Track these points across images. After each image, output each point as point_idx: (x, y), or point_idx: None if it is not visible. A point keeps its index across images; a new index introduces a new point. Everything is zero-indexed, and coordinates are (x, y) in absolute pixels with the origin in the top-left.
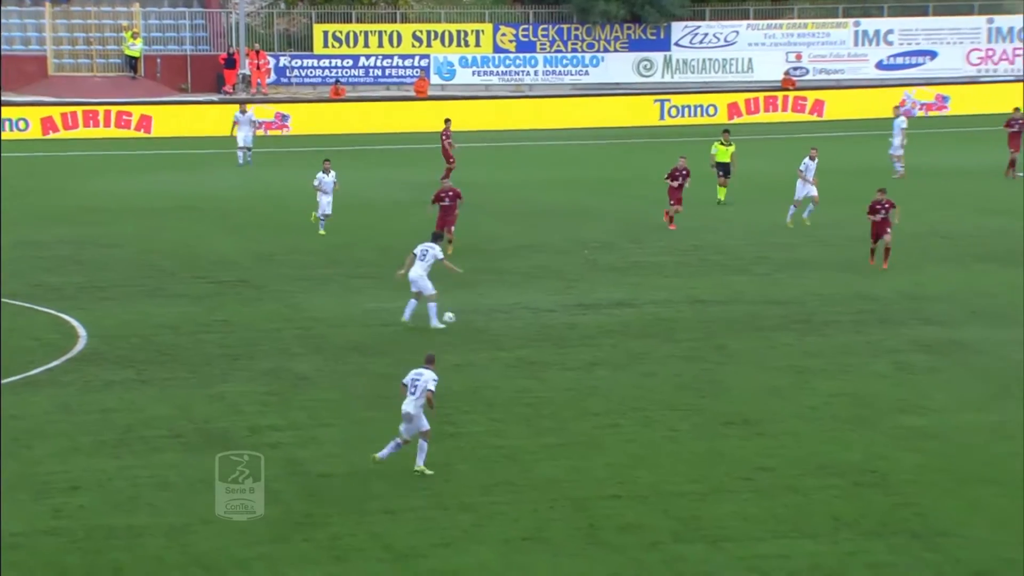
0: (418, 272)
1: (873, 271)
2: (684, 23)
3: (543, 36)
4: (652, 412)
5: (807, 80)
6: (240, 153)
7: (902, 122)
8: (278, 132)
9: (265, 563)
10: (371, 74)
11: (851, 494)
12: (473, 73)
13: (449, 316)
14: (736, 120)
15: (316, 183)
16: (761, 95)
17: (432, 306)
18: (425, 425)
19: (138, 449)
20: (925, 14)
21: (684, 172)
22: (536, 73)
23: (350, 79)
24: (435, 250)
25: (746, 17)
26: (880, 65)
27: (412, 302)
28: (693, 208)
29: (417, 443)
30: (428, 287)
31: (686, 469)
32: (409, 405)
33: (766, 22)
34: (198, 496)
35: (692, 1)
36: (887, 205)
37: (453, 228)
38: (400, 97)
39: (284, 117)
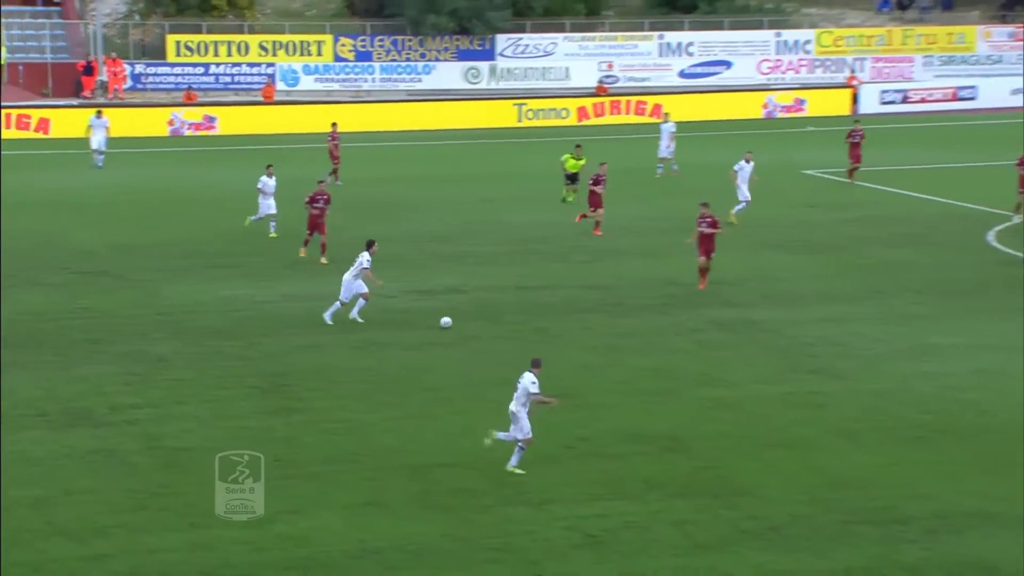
0: (347, 277)
1: (677, 258)
2: (508, 35)
3: (379, 46)
4: (481, 387)
5: (618, 87)
6: (94, 156)
7: (671, 127)
8: (206, 133)
9: (124, 530)
10: (221, 80)
11: (659, 459)
12: (315, 80)
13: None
14: (584, 122)
15: (260, 186)
16: (607, 100)
17: (360, 302)
18: (528, 428)
19: (5, 427)
20: (721, 28)
21: (601, 178)
22: (373, 80)
23: (201, 85)
24: (364, 259)
25: (563, 30)
26: (682, 74)
27: (337, 304)
28: (531, 206)
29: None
30: (357, 289)
31: None
32: (513, 404)
33: (581, 35)
34: (61, 470)
35: (514, 15)
36: (709, 220)
37: (324, 232)
38: (248, 102)
39: (211, 119)
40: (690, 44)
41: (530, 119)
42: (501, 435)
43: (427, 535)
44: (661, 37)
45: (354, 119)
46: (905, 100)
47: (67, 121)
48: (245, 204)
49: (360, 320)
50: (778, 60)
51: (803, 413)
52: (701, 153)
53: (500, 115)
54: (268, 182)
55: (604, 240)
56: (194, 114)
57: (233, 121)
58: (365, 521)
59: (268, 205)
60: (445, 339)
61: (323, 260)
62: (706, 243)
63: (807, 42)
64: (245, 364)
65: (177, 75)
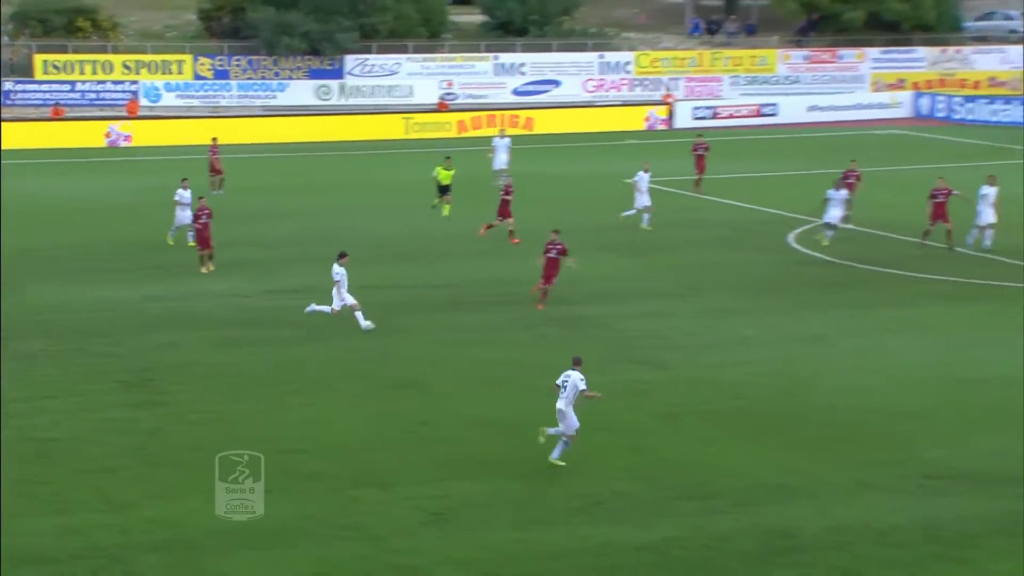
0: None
1: (515, 259)
2: (356, 56)
3: (236, 65)
4: (334, 379)
5: (458, 104)
6: None
7: (508, 142)
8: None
9: None
10: (87, 97)
11: (497, 442)
12: (177, 96)
13: (367, 324)
14: (464, 134)
15: (176, 198)
16: (483, 114)
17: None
18: (575, 423)
19: None
20: (550, 50)
21: (511, 189)
22: (231, 97)
23: (68, 101)
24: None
25: (406, 51)
26: (515, 91)
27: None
28: (390, 213)
29: (559, 439)
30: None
31: (362, 426)
32: (561, 403)
33: (423, 55)
34: None
35: (361, 37)
36: (559, 247)
37: (210, 245)
38: (114, 116)
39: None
40: (522, 64)
41: (416, 132)
42: (552, 431)
43: (283, 515)
44: (496, 58)
45: (213, 133)
46: (715, 116)
47: None
48: (112, 212)
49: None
50: (601, 79)
51: (628, 399)
52: (559, 166)
53: (387, 128)
54: (184, 194)
55: (450, 243)
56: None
57: (100, 135)
58: None
59: (185, 216)
60: (298, 335)
61: (210, 267)
62: (551, 268)
63: (627, 63)
64: (111, 361)
65: (45, 92)
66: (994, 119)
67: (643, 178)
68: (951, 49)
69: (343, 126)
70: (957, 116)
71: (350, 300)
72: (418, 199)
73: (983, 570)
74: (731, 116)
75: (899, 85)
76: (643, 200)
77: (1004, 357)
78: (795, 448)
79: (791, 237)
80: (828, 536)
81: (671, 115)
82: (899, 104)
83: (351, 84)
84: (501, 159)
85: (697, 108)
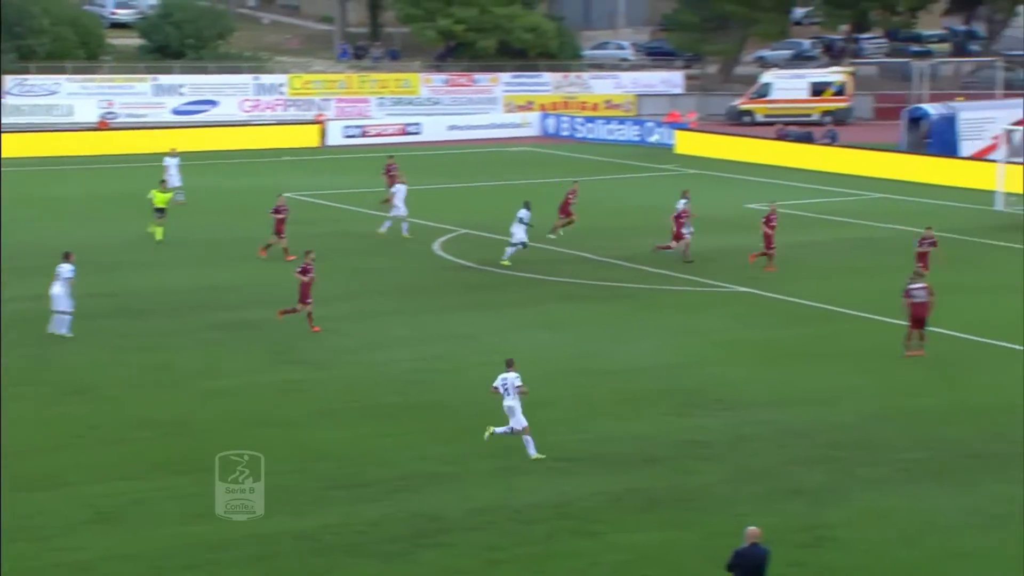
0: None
1: (182, 270)
2: (14, 76)
3: None
4: (14, 387)
5: (119, 122)
6: None
7: (177, 160)
8: None
9: None
10: None
11: (163, 443)
12: None
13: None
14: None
15: None
16: (143, 132)
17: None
18: (522, 420)
19: None
20: (208, 72)
21: (282, 208)
22: None
23: None
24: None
25: (65, 72)
26: (175, 111)
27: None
28: (63, 225)
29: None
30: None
31: (32, 431)
32: (509, 401)
33: (83, 76)
34: None
35: (19, 58)
36: (311, 274)
37: None
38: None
39: None
40: (181, 86)
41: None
42: (500, 430)
43: None
44: (155, 79)
45: None
46: (364, 134)
47: None
48: None
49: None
50: (257, 100)
51: (289, 397)
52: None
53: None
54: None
55: (120, 253)
56: None
57: None
58: None
59: None
60: None
61: None
62: (305, 290)
63: (281, 85)
64: None
65: None
66: (611, 137)
67: (400, 189)
68: (572, 75)
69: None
70: (579, 135)
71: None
72: (87, 211)
73: (609, 541)
74: (379, 134)
75: (528, 107)
76: (398, 209)
77: (627, 350)
78: (444, 440)
79: (437, 245)
80: (471, 517)
81: (324, 134)
82: (528, 124)
83: (10, 103)
84: (173, 176)
85: (348, 127)
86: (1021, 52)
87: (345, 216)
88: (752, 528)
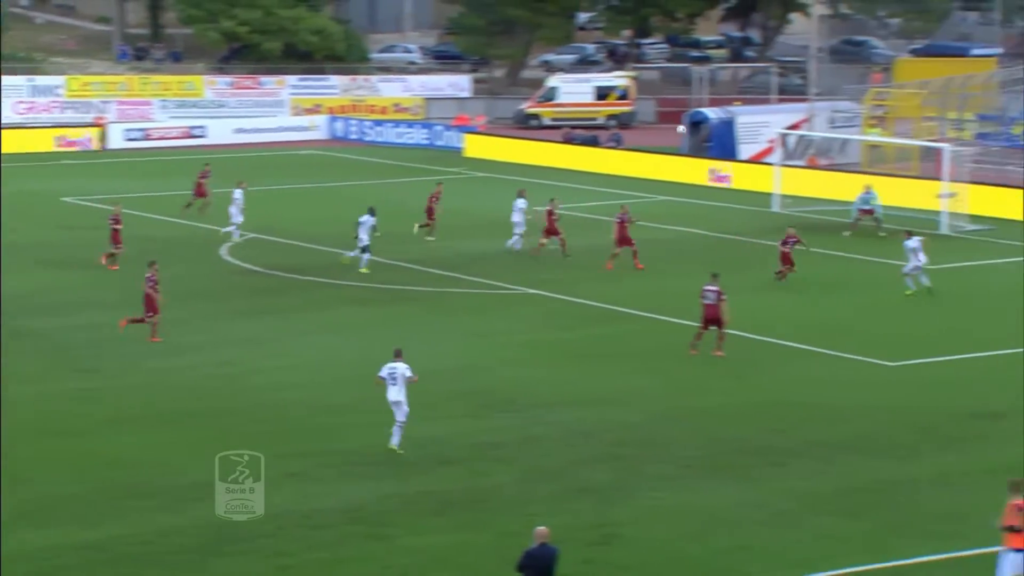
0: None
1: None
2: None
3: None
4: None
5: None
6: None
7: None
8: None
9: None
10: None
11: None
12: None
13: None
14: None
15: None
16: None
17: None
18: (406, 410)
19: None
20: None
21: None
22: None
23: None
24: None
25: None
26: None
27: None
28: None
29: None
30: None
31: None
32: (394, 393)
33: None
34: None
35: None
36: (152, 282)
37: None
38: None
39: None
40: None
41: None
42: (395, 440)
43: None
44: None
45: None
46: (147, 137)
47: None
48: None
49: None
50: (32, 102)
51: (76, 406)
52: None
53: None
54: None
55: None
56: None
57: None
58: None
59: None
60: None
61: None
62: (150, 302)
63: (58, 87)
64: None
65: None
66: (400, 141)
67: (237, 196)
68: (360, 78)
69: None
70: (368, 138)
71: None
72: None
73: (400, 544)
74: (162, 137)
75: (316, 110)
76: (235, 217)
77: (417, 354)
78: (233, 445)
79: (224, 250)
80: (262, 524)
81: (104, 137)
82: (316, 127)
83: None
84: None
85: (129, 130)
86: (794, 58)
87: (131, 221)
88: (541, 528)
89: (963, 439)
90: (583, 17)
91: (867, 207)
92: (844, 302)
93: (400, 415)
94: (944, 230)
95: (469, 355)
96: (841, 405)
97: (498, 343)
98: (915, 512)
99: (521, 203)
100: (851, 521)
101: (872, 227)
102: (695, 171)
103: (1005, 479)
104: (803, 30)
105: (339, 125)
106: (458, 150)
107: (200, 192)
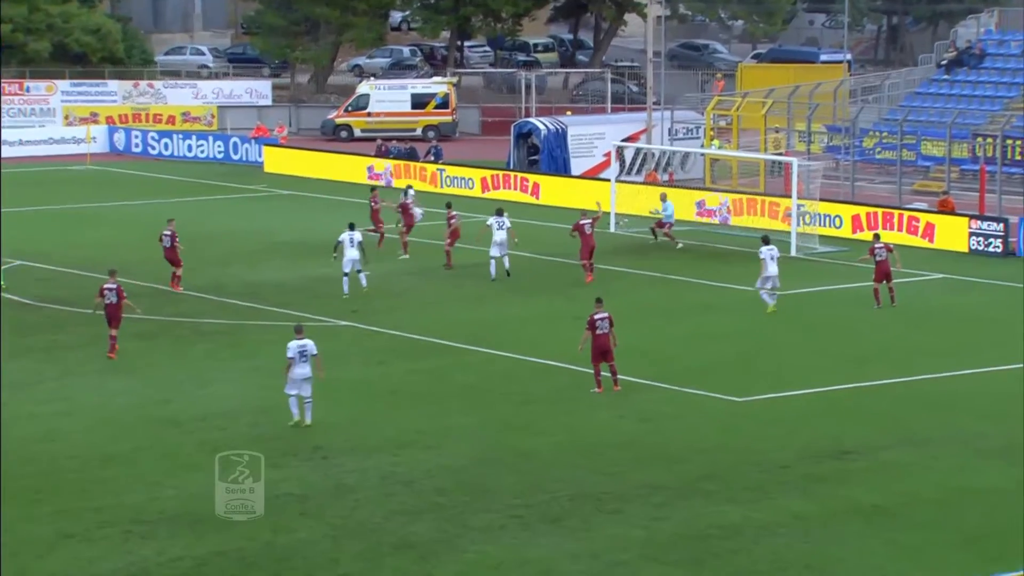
0: None
1: None
2: None
3: None
4: None
5: None
6: None
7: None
8: None
9: None
10: None
11: None
12: None
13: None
14: None
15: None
16: None
17: None
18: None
19: None
20: None
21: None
22: None
23: None
24: None
25: None
26: None
27: None
28: None
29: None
30: None
31: None
32: (303, 369)
33: None
34: None
35: None
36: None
37: None
38: None
39: None
40: None
41: None
42: (308, 407)
43: None
44: None
45: None
46: None
47: None
48: None
49: None
50: None
51: None
52: None
53: None
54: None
55: None
56: None
57: None
58: None
59: None
60: None
61: None
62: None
63: None
64: None
65: None
66: (191, 154)
67: None
68: (143, 83)
69: None
70: (154, 151)
71: None
72: None
73: None
74: None
75: (93, 119)
76: None
77: (212, 394)
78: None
79: None
80: None
81: None
82: (94, 139)
83: None
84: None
85: None
86: (630, 63)
87: None
88: None
89: (817, 479)
90: (397, 17)
91: (659, 217)
92: (682, 329)
93: (308, 391)
94: (793, 252)
95: (269, 396)
96: (682, 445)
97: None
98: (768, 560)
99: (500, 220)
100: (696, 571)
101: (668, 241)
102: (520, 186)
103: (866, 523)
104: (639, 32)
105: (120, 137)
106: (258, 165)
107: None
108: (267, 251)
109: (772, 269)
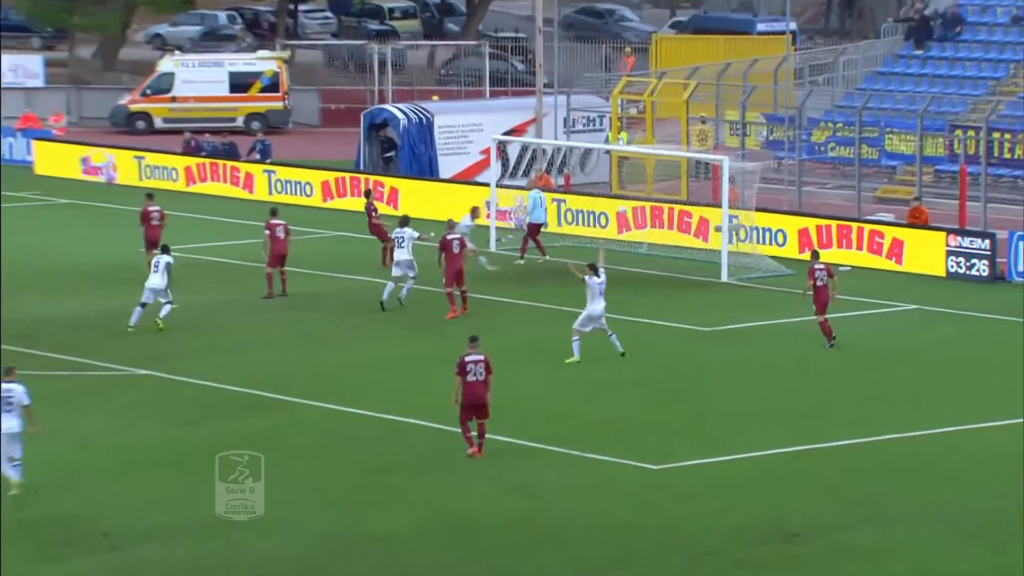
0: None
1: None
2: None
3: None
4: None
5: None
6: None
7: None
8: None
9: None
10: None
11: None
12: None
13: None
14: None
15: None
16: None
17: None
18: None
19: None
20: None
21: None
22: None
23: None
24: None
25: None
26: None
27: None
28: None
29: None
30: None
31: None
32: (10, 422)
33: None
34: None
35: None
36: None
37: None
38: None
39: None
40: None
41: None
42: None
43: None
44: None
45: None
46: None
47: None
48: None
49: None
50: None
51: None
52: None
53: None
54: None
55: None
56: None
57: None
58: None
59: None
60: None
61: None
62: None
63: None
64: None
65: None
66: None
67: None
68: None
69: None
70: None
71: None
72: None
73: None
74: None
75: None
76: None
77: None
78: None
79: None
80: None
81: None
82: None
83: None
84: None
85: None
86: (513, 34)
87: None
88: None
89: (757, 568)
90: None
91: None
92: (583, 376)
93: (17, 451)
94: (724, 277)
95: (52, 468)
96: (583, 525)
97: (86, 448)
98: None
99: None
100: None
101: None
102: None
103: None
104: None
105: None
106: (27, 165)
107: None
108: (41, 279)
109: (598, 305)
